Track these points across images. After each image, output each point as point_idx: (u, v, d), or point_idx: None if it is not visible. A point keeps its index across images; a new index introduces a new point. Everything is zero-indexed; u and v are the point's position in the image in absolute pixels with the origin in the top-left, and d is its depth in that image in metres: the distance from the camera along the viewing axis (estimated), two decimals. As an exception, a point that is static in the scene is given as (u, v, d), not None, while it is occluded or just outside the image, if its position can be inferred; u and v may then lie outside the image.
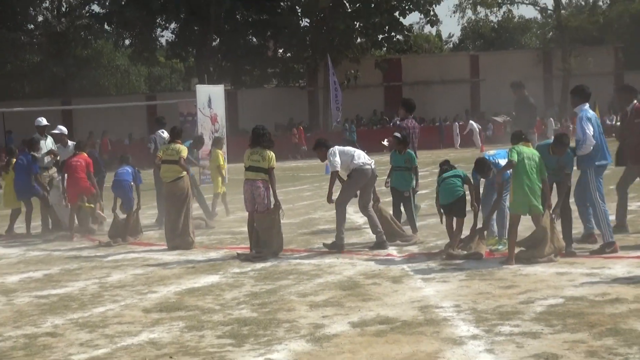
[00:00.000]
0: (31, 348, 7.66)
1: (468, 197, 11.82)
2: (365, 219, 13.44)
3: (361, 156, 13.04)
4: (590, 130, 11.47)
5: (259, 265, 11.58)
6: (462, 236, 11.70)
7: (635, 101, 12.45)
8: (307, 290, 9.68)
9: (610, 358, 6.48)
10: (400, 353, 6.90)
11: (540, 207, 10.88)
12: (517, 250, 10.80)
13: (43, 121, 17.50)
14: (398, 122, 16.17)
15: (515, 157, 10.73)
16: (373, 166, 13.05)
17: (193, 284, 10.42)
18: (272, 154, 12.60)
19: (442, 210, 11.76)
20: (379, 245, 12.66)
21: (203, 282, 10.53)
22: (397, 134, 13.71)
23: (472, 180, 12.03)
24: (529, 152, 10.95)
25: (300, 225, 15.57)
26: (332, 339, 7.45)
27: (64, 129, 17.74)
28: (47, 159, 17.02)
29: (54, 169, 16.91)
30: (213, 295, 9.64)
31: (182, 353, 7.22)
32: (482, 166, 11.84)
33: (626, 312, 7.87)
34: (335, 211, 12.94)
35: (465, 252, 11.32)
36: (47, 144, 17.22)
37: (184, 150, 14.03)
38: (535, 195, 10.87)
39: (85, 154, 16.16)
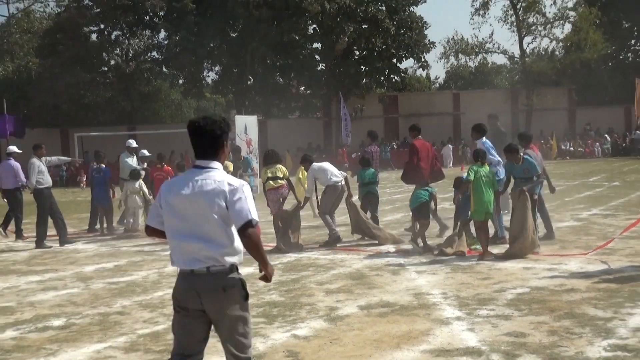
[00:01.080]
0: (104, 324, 7.69)
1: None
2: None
3: (334, 174, 13.40)
4: (495, 155, 12.38)
5: (285, 259, 11.58)
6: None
7: None
8: (323, 279, 9.69)
9: (567, 336, 6.46)
10: (399, 331, 6.90)
11: (492, 213, 11.01)
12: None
13: (133, 143, 17.48)
14: (365, 149, 17.30)
15: (472, 177, 10.84)
16: (342, 183, 13.36)
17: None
18: (284, 167, 13.04)
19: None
20: (332, 242, 12.93)
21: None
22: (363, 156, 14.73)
23: (435, 196, 12.57)
24: (484, 170, 11.00)
25: (318, 228, 15.53)
26: (344, 318, 7.46)
27: (146, 152, 17.89)
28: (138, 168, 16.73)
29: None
30: (248, 283, 9.50)
31: (224, 329, 7.23)
32: (458, 183, 12.16)
33: (579, 299, 7.84)
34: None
35: (452, 250, 11.29)
36: (134, 161, 17.07)
37: (230, 165, 14.50)
38: (490, 205, 10.92)
39: (168, 167, 17.03)
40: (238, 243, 4.57)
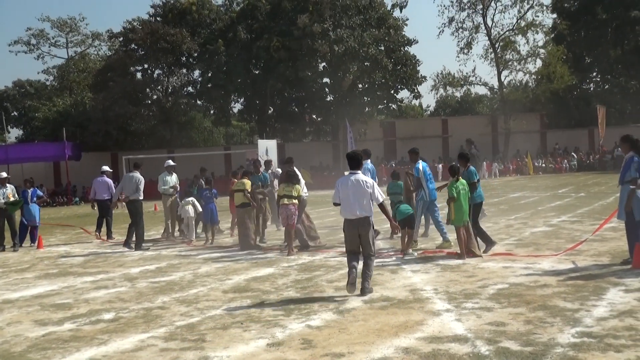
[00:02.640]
0: (148, 317, 7.68)
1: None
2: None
3: (305, 187, 13.82)
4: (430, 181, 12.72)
5: (300, 261, 11.54)
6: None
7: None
8: (333, 278, 9.64)
9: (541, 325, 6.39)
10: (398, 321, 6.84)
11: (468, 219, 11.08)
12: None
13: (170, 162, 17.32)
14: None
15: (454, 192, 10.88)
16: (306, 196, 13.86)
17: (256, 273, 10.40)
18: (299, 187, 12.83)
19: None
20: (303, 248, 13.11)
21: (263, 272, 10.50)
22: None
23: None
24: (460, 184, 11.06)
25: (328, 234, 15.50)
26: (351, 311, 7.41)
27: (172, 162, 17.38)
28: (171, 189, 16.64)
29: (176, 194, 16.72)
30: (270, 282, 9.62)
31: (249, 320, 7.20)
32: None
33: (551, 293, 7.77)
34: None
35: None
36: (172, 179, 16.79)
37: (248, 184, 13.96)
38: (466, 213, 11.01)
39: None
40: (371, 207, 8.40)
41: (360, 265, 8.46)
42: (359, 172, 8.53)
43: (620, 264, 9.41)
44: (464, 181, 11.22)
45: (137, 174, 14.90)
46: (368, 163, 14.04)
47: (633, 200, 9.20)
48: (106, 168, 18.31)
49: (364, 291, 8.20)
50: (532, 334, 6.07)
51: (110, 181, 17.70)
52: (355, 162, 8.58)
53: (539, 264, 9.90)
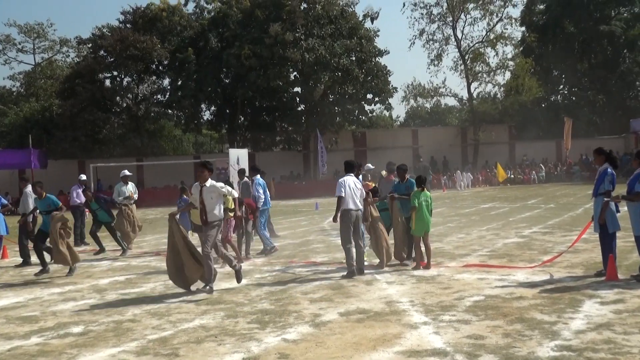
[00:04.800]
0: (118, 330, 7.47)
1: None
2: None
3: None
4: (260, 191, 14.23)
5: (274, 272, 11.39)
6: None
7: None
8: (307, 290, 9.51)
9: (520, 338, 6.36)
10: (375, 334, 6.75)
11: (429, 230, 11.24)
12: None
13: (126, 172, 17.09)
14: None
15: (415, 202, 10.95)
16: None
17: (228, 285, 10.22)
18: (231, 198, 11.47)
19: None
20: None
21: (235, 284, 10.31)
22: None
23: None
24: (424, 195, 11.17)
25: (300, 245, 15.38)
26: (327, 324, 7.30)
27: (128, 172, 17.20)
28: (125, 200, 16.26)
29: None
30: (243, 293, 9.46)
31: (224, 334, 7.04)
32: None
33: (528, 306, 7.75)
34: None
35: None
36: (128, 188, 16.46)
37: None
38: (429, 223, 11.14)
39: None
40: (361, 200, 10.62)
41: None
42: (351, 174, 10.93)
43: (594, 276, 9.45)
44: (427, 193, 11.24)
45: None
46: (258, 178, 14.83)
47: (607, 213, 9.26)
48: (83, 177, 18.81)
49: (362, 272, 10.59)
50: (511, 348, 6.02)
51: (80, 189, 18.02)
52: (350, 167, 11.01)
53: (514, 275, 9.90)
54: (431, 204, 11.24)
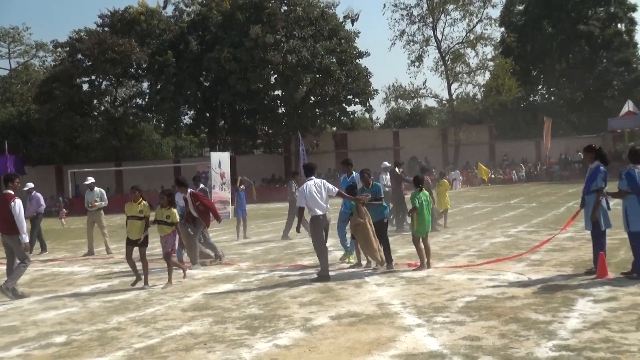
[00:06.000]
0: (103, 339, 7.24)
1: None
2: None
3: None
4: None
5: (260, 276, 11.20)
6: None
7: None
8: (296, 293, 9.34)
9: (516, 339, 6.24)
10: (369, 338, 6.60)
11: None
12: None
13: (90, 179, 17.29)
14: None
15: (416, 203, 10.89)
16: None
17: (215, 290, 10.03)
18: (175, 210, 11.12)
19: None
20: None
21: (222, 289, 10.13)
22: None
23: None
24: (423, 195, 11.09)
25: (285, 248, 15.20)
26: (319, 328, 7.13)
27: (92, 179, 17.43)
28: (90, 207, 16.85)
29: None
30: (230, 298, 9.26)
31: (213, 341, 6.84)
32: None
33: (521, 305, 7.66)
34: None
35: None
36: (94, 194, 16.88)
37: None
38: (429, 224, 11.18)
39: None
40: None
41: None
42: (314, 177, 10.68)
43: (585, 274, 9.39)
44: (426, 192, 11.20)
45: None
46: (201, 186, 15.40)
47: (599, 210, 9.20)
48: (31, 185, 18.04)
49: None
50: (509, 349, 5.90)
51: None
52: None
53: (503, 275, 9.81)
54: (430, 203, 11.21)
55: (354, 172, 12.90)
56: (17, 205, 10.22)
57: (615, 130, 44.05)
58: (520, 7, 58.79)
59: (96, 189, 17.06)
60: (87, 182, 17.37)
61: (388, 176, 17.39)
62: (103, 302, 9.55)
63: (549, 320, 6.88)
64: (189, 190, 12.79)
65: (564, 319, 6.87)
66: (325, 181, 10.79)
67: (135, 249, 10.91)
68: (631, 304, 7.42)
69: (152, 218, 11.05)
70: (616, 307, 7.31)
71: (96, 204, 16.67)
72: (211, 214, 12.91)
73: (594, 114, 53.14)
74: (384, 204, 11.89)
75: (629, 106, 41.66)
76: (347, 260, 12.15)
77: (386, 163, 17.32)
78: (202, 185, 16.20)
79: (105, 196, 17.20)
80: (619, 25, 55.70)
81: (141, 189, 11.30)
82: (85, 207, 17.14)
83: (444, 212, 17.86)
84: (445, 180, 18.69)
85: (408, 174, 13.09)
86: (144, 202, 10.93)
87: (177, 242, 11.36)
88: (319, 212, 10.41)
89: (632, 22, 55.96)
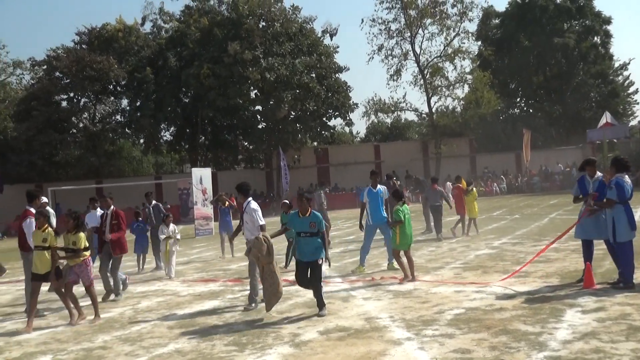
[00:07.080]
0: (89, 359, 7.12)
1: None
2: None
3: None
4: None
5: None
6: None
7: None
8: (283, 308, 9.27)
9: (507, 350, 6.23)
10: (359, 352, 6.55)
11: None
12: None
13: (44, 199, 17.03)
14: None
15: (401, 217, 11.00)
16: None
17: (201, 307, 9.93)
18: (83, 235, 9.57)
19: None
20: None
21: (208, 305, 10.03)
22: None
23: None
24: (406, 208, 11.21)
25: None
26: (307, 343, 7.08)
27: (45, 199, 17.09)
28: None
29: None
30: (217, 315, 9.17)
31: (201, 358, 6.76)
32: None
33: (510, 317, 7.65)
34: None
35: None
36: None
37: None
38: (411, 237, 11.26)
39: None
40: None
41: None
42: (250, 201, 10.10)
43: (577, 282, 9.45)
44: (407, 207, 11.26)
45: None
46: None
47: (594, 220, 9.27)
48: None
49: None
50: (500, 361, 5.89)
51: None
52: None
53: (491, 287, 9.82)
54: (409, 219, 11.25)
55: (378, 186, 12.97)
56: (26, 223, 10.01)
57: (594, 141, 44.57)
58: (496, 21, 59.51)
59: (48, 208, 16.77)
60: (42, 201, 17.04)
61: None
62: (87, 321, 9.40)
63: (538, 331, 6.88)
64: (111, 207, 12.11)
65: (554, 330, 6.88)
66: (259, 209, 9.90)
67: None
68: (619, 314, 7.45)
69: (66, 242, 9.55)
70: (605, 317, 7.34)
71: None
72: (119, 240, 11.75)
73: (572, 126, 53.80)
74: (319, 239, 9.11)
75: (607, 117, 42.20)
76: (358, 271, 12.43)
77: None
78: (154, 202, 16.31)
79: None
80: (594, 38, 56.56)
81: (79, 215, 9.82)
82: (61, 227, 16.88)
83: (472, 220, 18.32)
84: (474, 189, 19.15)
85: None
86: (49, 229, 9.36)
87: (91, 273, 9.68)
88: (248, 237, 9.66)
89: (608, 35, 56.90)
